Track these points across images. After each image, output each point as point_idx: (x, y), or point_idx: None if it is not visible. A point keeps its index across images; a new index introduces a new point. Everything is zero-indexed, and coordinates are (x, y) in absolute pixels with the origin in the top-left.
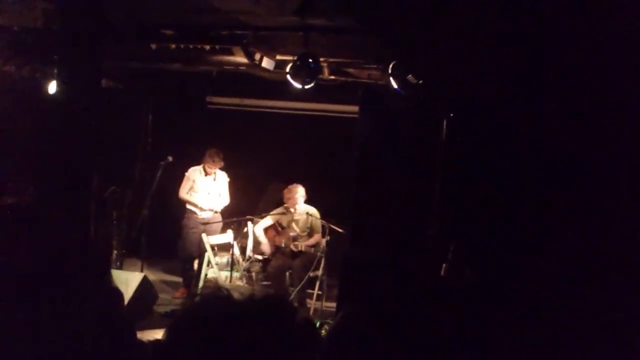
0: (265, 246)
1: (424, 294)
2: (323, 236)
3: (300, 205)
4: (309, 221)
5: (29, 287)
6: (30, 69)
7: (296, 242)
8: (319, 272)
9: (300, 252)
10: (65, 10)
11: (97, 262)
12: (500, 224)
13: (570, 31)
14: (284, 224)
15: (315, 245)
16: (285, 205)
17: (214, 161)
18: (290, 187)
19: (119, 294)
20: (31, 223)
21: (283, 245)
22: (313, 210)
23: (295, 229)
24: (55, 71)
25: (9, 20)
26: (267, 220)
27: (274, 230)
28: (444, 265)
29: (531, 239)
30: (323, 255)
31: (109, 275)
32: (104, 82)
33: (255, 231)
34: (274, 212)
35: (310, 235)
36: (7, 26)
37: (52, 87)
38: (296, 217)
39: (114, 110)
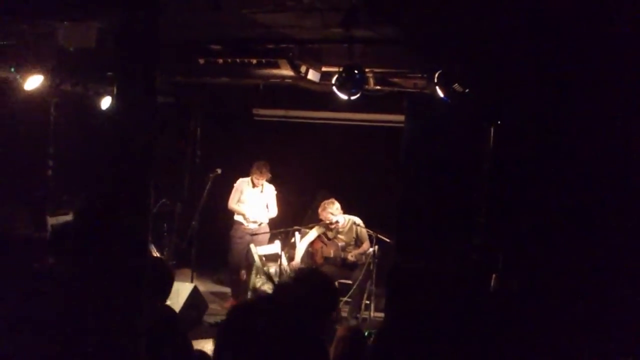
0: (304, 258)
1: (471, 305)
2: (371, 245)
3: (341, 217)
4: (355, 230)
5: (88, 298)
6: (84, 86)
7: (352, 253)
8: (368, 282)
9: (354, 263)
10: (122, 28)
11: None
12: (549, 233)
13: (623, 40)
14: (330, 235)
15: (364, 254)
16: (324, 223)
17: (261, 172)
18: (326, 203)
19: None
20: (88, 236)
21: (332, 255)
22: (357, 219)
23: (343, 240)
24: (115, 88)
25: (66, 41)
26: (313, 233)
27: (321, 241)
28: (493, 275)
29: (582, 248)
30: (372, 267)
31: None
32: None
33: (298, 244)
34: (318, 224)
35: (358, 244)
36: (64, 47)
37: (105, 103)
38: (340, 228)
39: (163, 124)
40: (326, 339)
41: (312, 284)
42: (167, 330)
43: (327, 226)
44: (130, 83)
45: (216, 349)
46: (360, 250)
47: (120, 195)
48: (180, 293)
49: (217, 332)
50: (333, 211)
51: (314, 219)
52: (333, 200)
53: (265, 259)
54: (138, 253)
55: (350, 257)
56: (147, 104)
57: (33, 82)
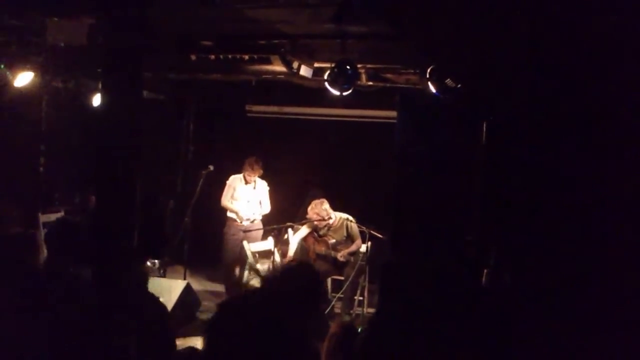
0: (297, 253)
1: (464, 301)
2: (364, 242)
3: (333, 215)
4: (346, 227)
5: (75, 292)
6: (75, 83)
7: (341, 253)
8: (361, 279)
9: (345, 262)
10: (109, 24)
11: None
12: (542, 229)
13: (618, 36)
14: (321, 233)
15: (356, 253)
16: (312, 222)
17: (253, 169)
18: (315, 204)
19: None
20: (78, 231)
21: (324, 252)
22: (348, 216)
23: (333, 237)
24: (100, 84)
25: (56, 37)
26: (304, 230)
27: (313, 238)
28: (485, 271)
29: (576, 244)
30: (365, 263)
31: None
32: (146, 93)
33: (291, 240)
34: (309, 221)
35: (351, 240)
36: (56, 44)
37: (96, 100)
38: (332, 226)
39: (155, 121)
40: (316, 333)
41: (299, 279)
42: (158, 326)
43: (317, 226)
44: (116, 79)
45: (205, 346)
46: (352, 248)
47: (106, 192)
48: (172, 290)
49: (206, 329)
50: (320, 212)
51: (306, 216)
52: (323, 200)
53: (258, 256)
54: (124, 247)
55: (340, 257)
56: (133, 100)
57: (23, 78)
